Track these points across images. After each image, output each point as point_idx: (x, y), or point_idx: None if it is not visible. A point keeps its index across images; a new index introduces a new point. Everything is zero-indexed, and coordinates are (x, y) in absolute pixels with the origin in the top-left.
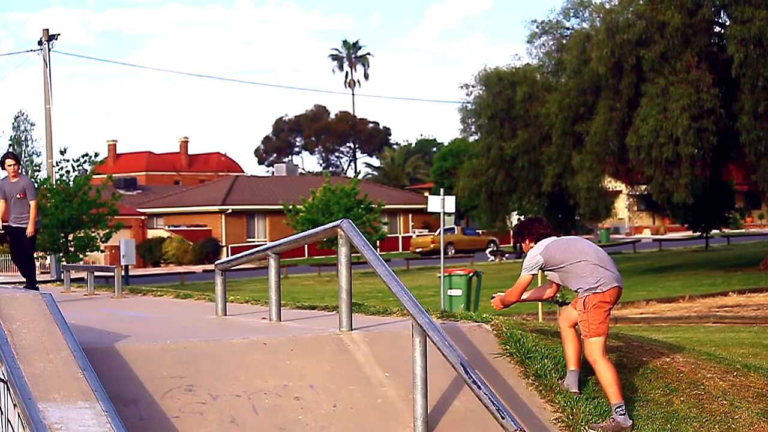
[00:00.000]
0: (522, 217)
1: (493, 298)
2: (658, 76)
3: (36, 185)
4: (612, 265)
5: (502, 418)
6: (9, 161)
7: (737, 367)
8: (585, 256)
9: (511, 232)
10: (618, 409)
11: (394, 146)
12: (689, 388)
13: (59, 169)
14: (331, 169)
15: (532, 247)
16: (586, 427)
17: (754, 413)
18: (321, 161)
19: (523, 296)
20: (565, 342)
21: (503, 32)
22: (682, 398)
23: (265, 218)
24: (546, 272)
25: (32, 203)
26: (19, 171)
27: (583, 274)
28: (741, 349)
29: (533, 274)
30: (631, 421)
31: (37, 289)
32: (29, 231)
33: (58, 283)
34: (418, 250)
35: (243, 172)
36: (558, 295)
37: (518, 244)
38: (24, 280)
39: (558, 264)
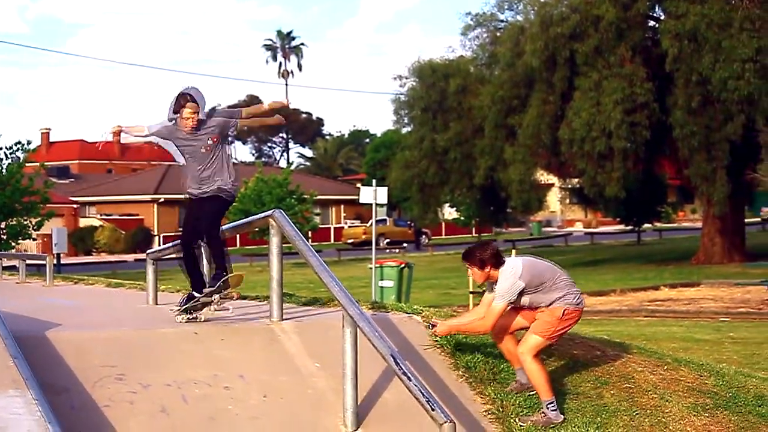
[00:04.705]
0: (453, 210)
1: (433, 326)
2: (592, 70)
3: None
4: None
5: (432, 409)
6: (189, 108)
7: (668, 361)
8: (562, 274)
9: (443, 225)
10: (549, 405)
11: (327, 137)
12: (620, 381)
13: None
14: (263, 159)
15: (492, 274)
16: (517, 420)
17: (685, 407)
18: (254, 151)
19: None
20: (504, 349)
21: (439, 24)
22: (612, 392)
23: None
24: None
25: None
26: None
27: (564, 290)
28: (672, 343)
29: (511, 302)
30: (562, 416)
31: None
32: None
33: None
34: (349, 241)
35: (176, 161)
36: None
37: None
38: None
39: (537, 285)
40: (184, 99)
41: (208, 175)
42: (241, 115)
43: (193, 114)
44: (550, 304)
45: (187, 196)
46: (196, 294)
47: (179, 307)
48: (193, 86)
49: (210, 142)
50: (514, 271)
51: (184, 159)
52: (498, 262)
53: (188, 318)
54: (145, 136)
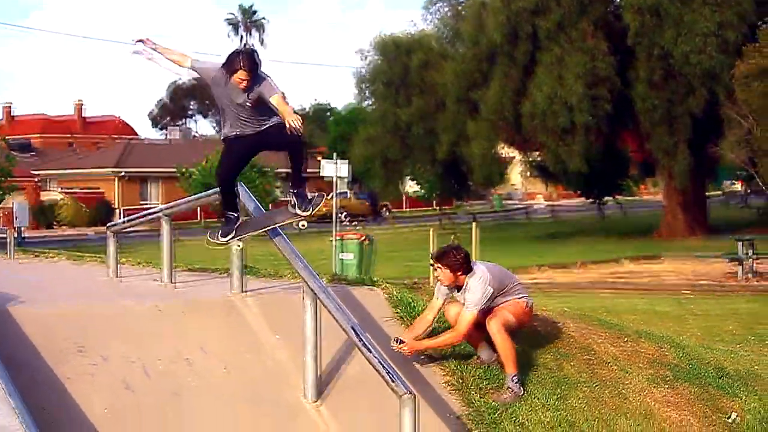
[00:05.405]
0: (415, 184)
1: (401, 342)
2: (554, 45)
3: None
4: None
5: (392, 381)
6: (241, 75)
7: (628, 334)
8: (516, 279)
9: (405, 199)
10: (514, 378)
11: None
12: (580, 353)
13: None
14: None
15: (461, 279)
16: (491, 401)
17: (645, 379)
18: (215, 125)
19: (419, 331)
20: (474, 340)
21: None
22: (572, 363)
23: (158, 183)
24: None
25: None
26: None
27: (522, 292)
28: (633, 316)
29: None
30: (523, 390)
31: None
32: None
33: None
34: None
35: (138, 136)
36: None
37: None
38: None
39: (501, 290)
40: (237, 64)
41: (249, 125)
42: (270, 98)
43: (243, 81)
44: (513, 298)
45: (232, 136)
46: (232, 215)
47: (228, 233)
48: (251, 50)
49: (248, 104)
50: (484, 278)
51: (223, 107)
52: (468, 268)
53: (233, 238)
54: (188, 69)
